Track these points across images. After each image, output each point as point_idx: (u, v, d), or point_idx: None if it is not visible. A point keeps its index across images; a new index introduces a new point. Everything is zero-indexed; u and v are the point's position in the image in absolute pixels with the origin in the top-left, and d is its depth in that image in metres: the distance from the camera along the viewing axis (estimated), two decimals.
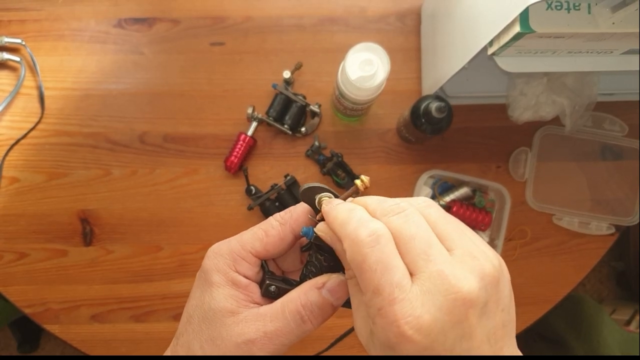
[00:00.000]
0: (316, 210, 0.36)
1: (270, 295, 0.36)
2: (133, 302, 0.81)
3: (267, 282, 0.37)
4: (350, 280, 0.34)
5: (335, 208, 0.33)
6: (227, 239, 0.39)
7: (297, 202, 0.81)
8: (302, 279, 0.37)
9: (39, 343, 1.58)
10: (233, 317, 0.34)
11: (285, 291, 0.36)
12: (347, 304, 0.36)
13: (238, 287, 0.36)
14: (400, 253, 0.29)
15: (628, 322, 1.38)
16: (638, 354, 0.97)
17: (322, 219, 0.35)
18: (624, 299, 1.64)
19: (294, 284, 0.37)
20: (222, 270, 0.36)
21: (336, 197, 0.36)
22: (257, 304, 0.36)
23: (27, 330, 1.54)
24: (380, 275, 0.28)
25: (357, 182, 0.34)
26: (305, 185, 0.36)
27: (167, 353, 0.38)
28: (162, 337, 0.81)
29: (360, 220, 0.30)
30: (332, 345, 0.45)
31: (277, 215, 0.39)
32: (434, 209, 0.32)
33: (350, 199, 0.35)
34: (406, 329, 0.27)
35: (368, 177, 0.34)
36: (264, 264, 0.38)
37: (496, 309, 0.29)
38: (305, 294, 0.35)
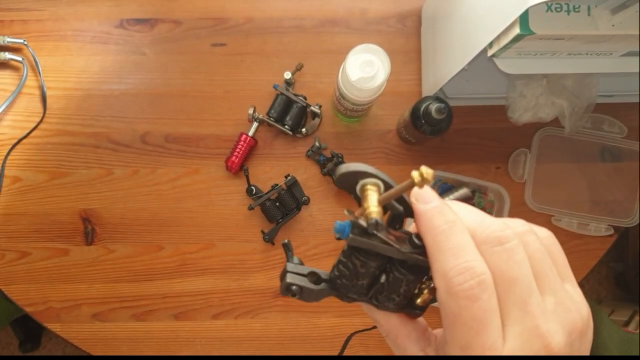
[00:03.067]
0: (357, 199, 0.29)
1: (292, 296, 0.30)
2: (134, 301, 0.81)
3: (287, 281, 0.30)
4: (387, 339, 0.31)
5: (430, 216, 0.27)
6: None
7: (297, 202, 0.81)
8: (332, 280, 0.31)
9: (40, 342, 1.59)
10: None
11: (309, 292, 0.31)
12: (389, 308, 0.31)
13: None
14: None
15: (627, 323, 1.38)
16: (637, 354, 0.97)
17: (363, 214, 0.28)
18: (622, 299, 1.64)
19: (322, 280, 0.31)
20: None
21: (387, 186, 0.29)
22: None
23: (29, 329, 1.54)
24: (474, 334, 0.25)
25: (414, 174, 0.26)
26: (345, 168, 0.28)
27: None
28: (162, 337, 0.81)
29: (463, 252, 0.26)
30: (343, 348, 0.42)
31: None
32: (533, 238, 0.28)
33: (450, 200, 0.29)
34: None
35: (431, 171, 0.26)
36: (287, 245, 0.33)
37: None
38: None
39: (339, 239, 0.29)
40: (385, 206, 0.29)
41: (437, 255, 0.26)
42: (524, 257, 0.26)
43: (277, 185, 0.81)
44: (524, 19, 0.51)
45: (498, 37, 0.56)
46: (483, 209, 0.82)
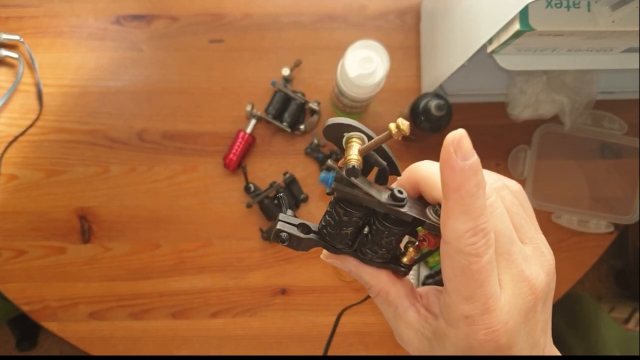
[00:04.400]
0: (342, 152, 0.30)
1: (281, 243, 0.32)
2: (131, 300, 0.81)
3: (277, 227, 0.32)
4: (376, 299, 0.33)
5: (467, 177, 0.26)
6: None
7: (295, 200, 0.81)
8: (320, 230, 0.33)
9: (37, 340, 1.58)
10: None
11: (298, 240, 0.32)
12: (377, 264, 0.33)
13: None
14: None
15: (627, 321, 1.38)
16: (637, 353, 0.97)
17: (345, 165, 0.28)
18: (622, 297, 1.64)
19: (311, 231, 0.33)
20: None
21: (369, 137, 0.29)
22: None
23: (26, 327, 1.54)
24: (479, 286, 0.26)
25: (392, 126, 0.26)
26: (332, 121, 0.29)
27: None
28: (160, 335, 0.81)
29: (481, 215, 0.26)
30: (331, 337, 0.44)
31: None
32: (507, 192, 0.30)
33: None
34: (495, 336, 0.27)
35: (407, 123, 0.26)
36: (283, 198, 0.35)
37: (550, 302, 0.31)
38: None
39: (328, 194, 0.31)
40: (371, 162, 0.30)
41: (457, 215, 0.26)
42: (503, 211, 0.28)
43: (275, 182, 0.80)
44: (523, 15, 0.51)
45: (498, 34, 0.55)
46: None
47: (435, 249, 0.32)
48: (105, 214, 0.81)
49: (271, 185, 0.80)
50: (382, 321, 0.34)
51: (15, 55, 0.81)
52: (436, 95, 0.72)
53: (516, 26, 0.51)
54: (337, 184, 0.29)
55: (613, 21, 0.52)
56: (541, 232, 0.31)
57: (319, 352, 0.82)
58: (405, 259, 0.33)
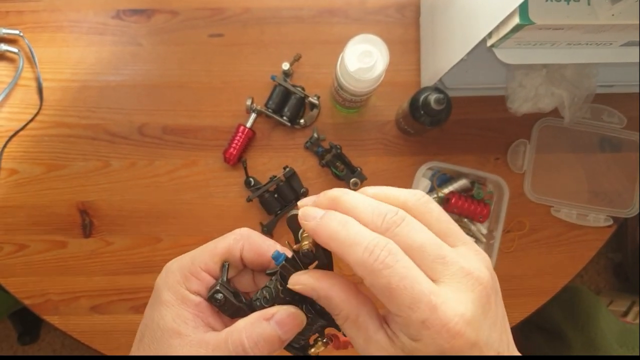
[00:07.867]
0: (297, 240, 0.35)
1: (215, 303, 0.35)
2: (133, 294, 0.81)
3: (216, 288, 0.35)
4: (346, 324, 0.32)
5: (325, 224, 0.30)
6: (181, 256, 0.38)
7: (295, 194, 0.81)
8: (253, 301, 0.36)
9: (39, 334, 1.59)
10: (180, 338, 0.34)
11: (231, 304, 0.35)
12: (291, 348, 0.36)
13: (188, 305, 0.35)
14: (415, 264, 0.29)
15: (625, 314, 1.39)
16: (635, 346, 0.98)
17: (299, 250, 0.33)
18: (621, 290, 1.65)
19: (243, 302, 0.36)
20: (172, 287, 0.36)
21: None
22: (208, 324, 0.35)
23: (27, 321, 1.55)
24: (411, 290, 0.27)
25: None
26: (293, 212, 0.34)
27: None
28: None
29: (364, 238, 0.29)
30: None
31: (237, 230, 0.39)
32: (434, 205, 0.32)
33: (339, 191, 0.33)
34: (459, 328, 0.27)
35: None
36: (224, 270, 0.37)
37: (501, 298, 0.31)
38: (252, 325, 0.33)
39: (268, 273, 0.37)
40: (317, 257, 0.34)
41: (347, 250, 0.29)
42: (420, 224, 0.30)
43: (275, 176, 0.80)
44: (523, 8, 0.51)
45: (497, 27, 0.55)
46: (482, 200, 0.82)
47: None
48: (106, 208, 0.82)
49: (271, 179, 0.80)
50: (382, 306, 0.33)
51: (15, 49, 0.81)
52: (436, 89, 0.72)
53: (516, 20, 0.51)
54: (286, 263, 0.34)
55: (613, 15, 0.52)
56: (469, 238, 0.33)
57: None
58: (312, 350, 0.36)
